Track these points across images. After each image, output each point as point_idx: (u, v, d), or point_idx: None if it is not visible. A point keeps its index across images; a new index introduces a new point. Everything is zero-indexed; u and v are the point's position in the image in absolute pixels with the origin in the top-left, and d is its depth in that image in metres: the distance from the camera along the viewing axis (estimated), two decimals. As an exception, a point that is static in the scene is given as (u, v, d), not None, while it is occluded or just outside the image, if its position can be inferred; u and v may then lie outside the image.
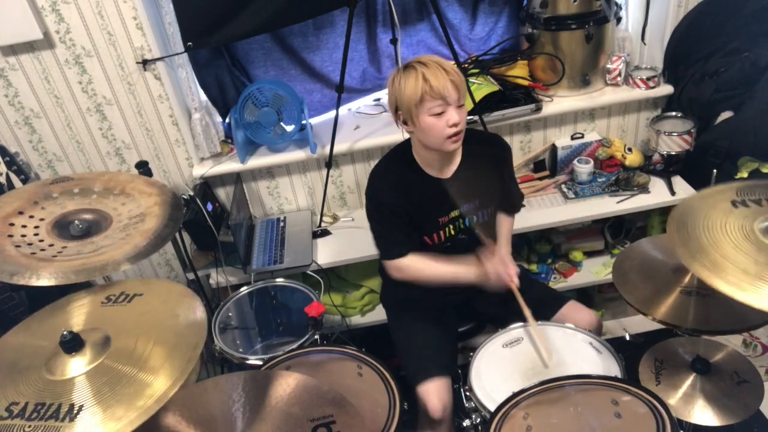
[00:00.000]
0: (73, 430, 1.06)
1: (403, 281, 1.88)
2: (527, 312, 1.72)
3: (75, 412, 1.08)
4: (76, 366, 1.17)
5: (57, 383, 1.15)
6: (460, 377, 1.76)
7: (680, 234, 1.37)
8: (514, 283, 1.80)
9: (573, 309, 1.88)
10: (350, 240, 2.42)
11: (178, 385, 1.11)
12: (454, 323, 2.00)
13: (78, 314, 1.35)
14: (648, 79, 2.41)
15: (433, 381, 1.75)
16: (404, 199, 1.73)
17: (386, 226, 1.77)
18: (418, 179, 1.75)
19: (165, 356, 1.17)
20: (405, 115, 1.65)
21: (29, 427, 1.07)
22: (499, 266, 1.75)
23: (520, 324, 1.75)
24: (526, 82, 2.45)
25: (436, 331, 1.89)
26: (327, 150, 2.32)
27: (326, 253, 2.37)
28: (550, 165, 2.61)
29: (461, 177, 1.77)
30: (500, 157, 1.86)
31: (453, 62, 1.66)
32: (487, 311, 2.00)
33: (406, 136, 1.78)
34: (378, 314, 2.53)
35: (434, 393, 1.73)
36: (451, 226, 1.82)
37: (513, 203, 1.99)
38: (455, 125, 1.61)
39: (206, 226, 2.26)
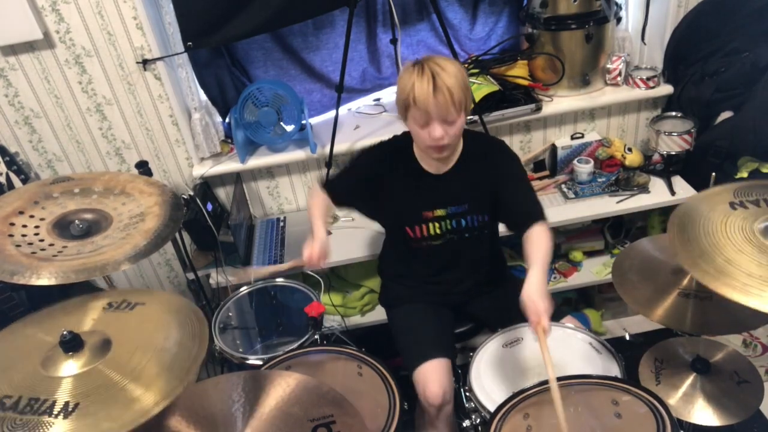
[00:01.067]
0: (64, 427, 1.06)
1: (398, 279, 1.90)
2: (549, 367, 1.33)
3: (70, 409, 1.08)
4: (70, 367, 1.18)
5: (51, 380, 1.16)
6: (459, 378, 1.76)
7: (681, 239, 1.37)
8: (542, 325, 1.37)
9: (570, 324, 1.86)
10: (350, 240, 2.42)
11: (171, 397, 1.12)
12: (451, 319, 1.99)
13: (79, 316, 1.35)
14: (648, 79, 2.41)
15: (430, 362, 1.72)
16: (390, 177, 1.76)
17: (347, 171, 1.87)
18: (410, 167, 1.76)
19: (159, 371, 1.18)
20: (398, 111, 1.67)
21: (20, 420, 1.07)
22: (312, 248, 1.68)
23: (521, 324, 1.74)
24: (526, 82, 2.45)
25: (433, 318, 1.89)
26: (327, 150, 2.32)
27: (326, 253, 2.37)
28: (550, 165, 2.61)
29: (453, 177, 1.76)
30: (502, 165, 1.76)
31: (454, 69, 1.57)
32: (481, 315, 1.99)
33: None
34: (378, 314, 2.53)
35: (433, 375, 1.70)
36: (437, 224, 1.79)
37: (529, 211, 1.67)
38: (436, 139, 1.59)
39: (206, 226, 2.26)
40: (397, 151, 1.78)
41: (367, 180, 1.79)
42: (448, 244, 1.82)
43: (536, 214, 1.65)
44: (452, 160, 1.76)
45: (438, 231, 1.81)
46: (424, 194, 1.77)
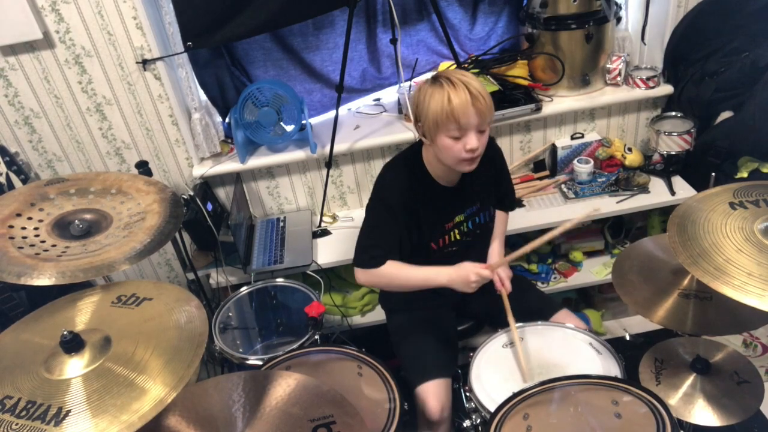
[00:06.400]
0: (84, 425, 1.06)
1: None
2: (512, 322, 1.73)
3: (61, 416, 1.08)
4: (74, 367, 1.18)
5: (53, 383, 1.16)
6: (460, 377, 1.76)
7: (681, 239, 1.37)
8: (506, 288, 1.79)
9: (564, 317, 1.88)
10: (350, 240, 2.41)
11: (172, 396, 1.12)
12: (454, 322, 2.00)
13: (85, 313, 1.35)
14: (648, 79, 2.41)
15: (431, 382, 1.74)
16: (410, 205, 1.71)
17: (377, 228, 1.74)
18: (427, 187, 1.74)
19: (161, 368, 1.17)
20: (424, 129, 1.63)
21: (16, 425, 1.07)
22: (467, 269, 1.69)
23: (520, 324, 1.75)
24: (526, 82, 2.45)
25: (435, 332, 1.89)
26: (327, 150, 2.32)
27: (326, 253, 2.37)
28: (550, 165, 2.61)
29: (465, 183, 1.77)
30: (494, 159, 1.86)
31: (475, 78, 1.57)
32: (483, 311, 2.00)
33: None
34: (378, 314, 2.53)
35: (433, 394, 1.73)
36: (456, 231, 1.82)
37: (511, 201, 2.02)
38: (472, 150, 1.60)
39: (206, 226, 2.26)
40: (410, 174, 1.74)
41: (404, 217, 1.73)
42: (462, 245, 1.84)
43: (509, 205, 2.02)
44: None
45: (458, 237, 1.83)
46: (444, 208, 1.78)
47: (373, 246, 1.74)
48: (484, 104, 1.56)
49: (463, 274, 1.68)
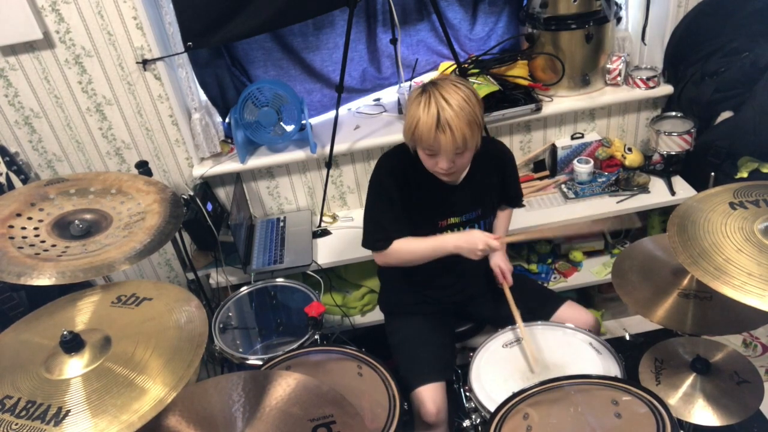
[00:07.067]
0: (84, 425, 1.06)
1: (398, 284, 1.89)
2: (516, 313, 1.74)
3: (61, 416, 1.08)
4: (74, 367, 1.17)
5: (52, 383, 1.15)
6: (459, 377, 1.76)
7: (681, 239, 1.37)
8: (508, 282, 1.81)
9: (571, 309, 1.87)
10: (350, 240, 2.42)
11: (172, 396, 1.11)
12: (452, 325, 2.00)
13: (85, 313, 1.35)
14: (648, 79, 2.41)
15: (428, 386, 1.74)
16: (405, 191, 1.72)
17: (376, 210, 1.76)
18: (423, 178, 1.74)
19: (161, 368, 1.17)
20: (405, 136, 1.64)
21: (16, 425, 1.07)
22: (475, 236, 1.70)
23: (517, 325, 1.75)
24: (526, 82, 2.45)
25: (433, 335, 1.88)
26: (327, 150, 2.32)
27: (326, 253, 2.37)
28: (550, 165, 2.61)
29: (467, 185, 1.77)
30: (504, 165, 1.85)
31: (461, 99, 1.51)
32: (483, 314, 2.00)
33: None
34: (378, 314, 2.53)
35: (429, 398, 1.73)
36: (450, 232, 1.81)
37: (516, 198, 1.96)
38: (443, 169, 1.60)
39: (206, 226, 2.26)
40: (411, 162, 1.73)
41: (395, 198, 1.73)
42: None
43: (515, 201, 1.97)
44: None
45: None
46: (439, 204, 1.77)
47: (375, 230, 1.76)
48: (449, 138, 1.49)
49: (471, 241, 1.68)
